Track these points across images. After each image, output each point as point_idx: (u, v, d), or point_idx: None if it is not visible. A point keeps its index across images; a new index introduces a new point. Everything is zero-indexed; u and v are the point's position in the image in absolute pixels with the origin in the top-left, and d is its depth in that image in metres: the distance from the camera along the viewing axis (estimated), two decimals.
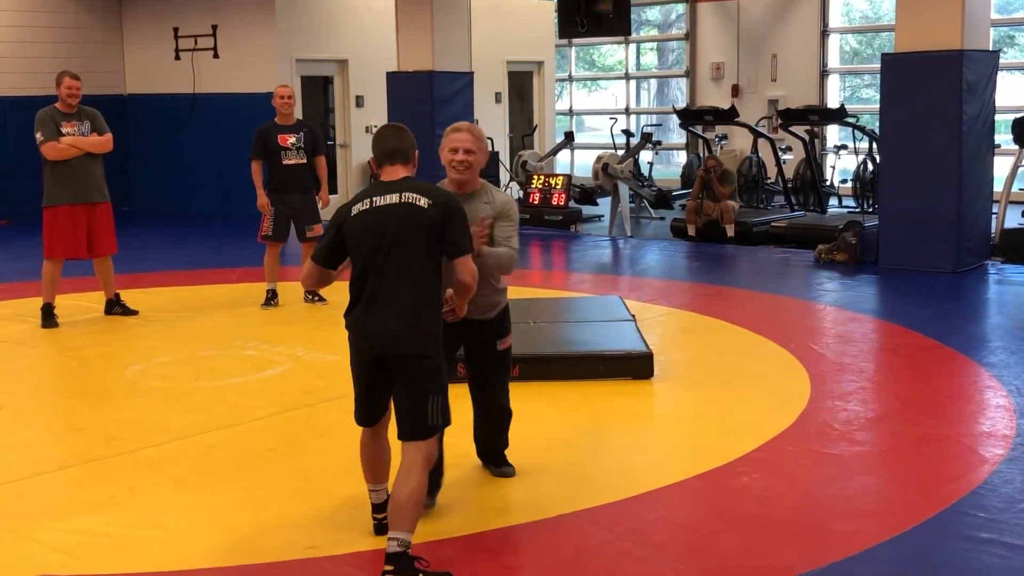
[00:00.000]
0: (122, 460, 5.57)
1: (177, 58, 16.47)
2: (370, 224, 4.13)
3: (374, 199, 4.17)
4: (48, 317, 8.62)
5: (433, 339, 4.17)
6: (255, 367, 7.40)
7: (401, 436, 4.17)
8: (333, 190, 14.91)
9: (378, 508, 4.46)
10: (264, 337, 8.21)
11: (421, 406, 4.12)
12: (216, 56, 16.08)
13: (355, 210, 4.19)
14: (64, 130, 8.50)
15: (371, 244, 4.12)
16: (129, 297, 9.17)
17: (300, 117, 10.53)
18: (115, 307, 9.01)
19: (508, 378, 5.14)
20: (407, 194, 4.14)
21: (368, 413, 4.36)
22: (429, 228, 4.11)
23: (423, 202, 4.12)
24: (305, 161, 9.19)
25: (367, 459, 4.46)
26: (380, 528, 4.42)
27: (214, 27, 16.02)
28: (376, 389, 4.27)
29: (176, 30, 16.42)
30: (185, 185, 16.58)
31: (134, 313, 8.99)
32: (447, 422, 4.24)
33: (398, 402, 4.18)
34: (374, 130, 16.72)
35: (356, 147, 16.26)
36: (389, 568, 3.96)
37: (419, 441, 4.13)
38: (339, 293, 9.46)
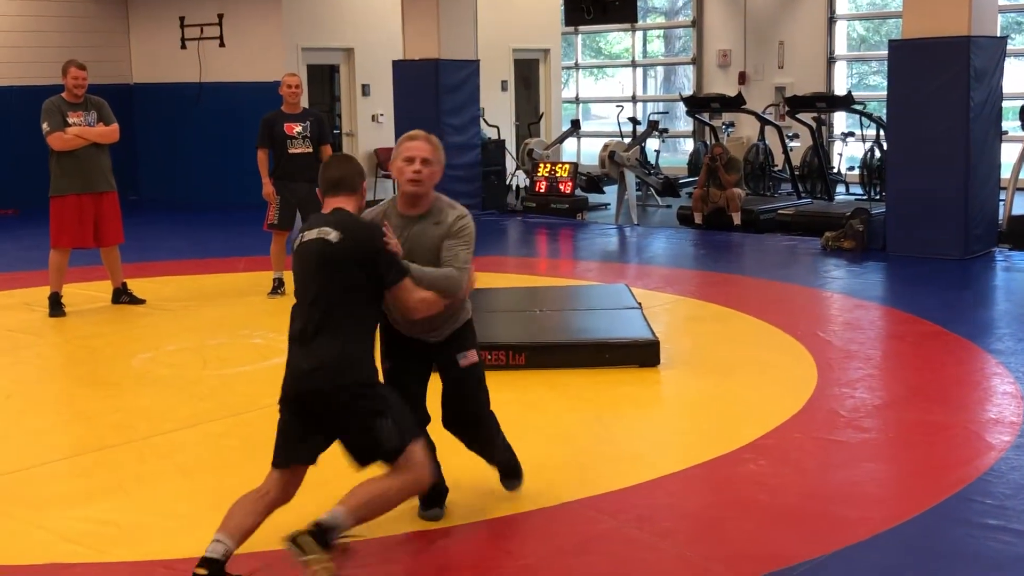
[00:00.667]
0: (130, 448, 5.58)
1: (183, 47, 16.47)
2: (296, 262, 4.07)
3: (304, 234, 4.06)
4: (56, 306, 8.64)
5: (358, 367, 3.95)
6: (262, 355, 7.42)
7: (363, 465, 4.04)
8: None
9: (204, 563, 3.81)
10: (271, 325, 8.21)
11: (369, 433, 3.93)
12: (222, 45, 16.08)
13: (295, 244, 4.11)
14: (70, 120, 8.51)
15: (297, 282, 4.07)
16: (136, 286, 9.19)
17: (306, 106, 10.53)
18: (122, 296, 9.03)
19: (485, 396, 4.57)
20: (323, 228, 3.97)
21: (280, 454, 4.04)
22: (339, 262, 3.94)
23: (333, 236, 3.95)
24: (311, 150, 9.18)
25: (241, 505, 3.99)
26: None
27: (220, 16, 16.02)
28: (305, 430, 4.01)
29: (182, 19, 16.41)
30: (191, 174, 16.60)
31: (141, 302, 9.01)
32: (408, 438, 3.97)
33: (348, 443, 4.00)
34: (381, 119, 16.82)
35: (362, 136, 16.26)
36: (303, 529, 3.75)
37: (391, 466, 3.95)
38: None
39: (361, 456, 4.00)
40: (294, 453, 4.03)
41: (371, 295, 4.02)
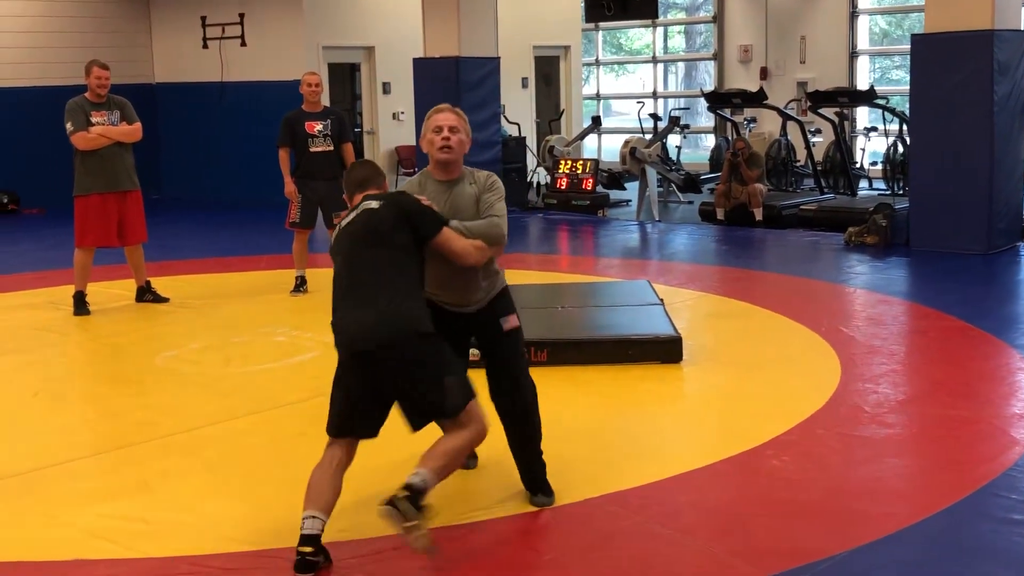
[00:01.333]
0: (155, 445, 5.62)
1: (205, 47, 16.55)
2: (344, 239, 4.29)
3: (341, 223, 4.37)
4: (80, 305, 8.70)
5: (423, 323, 4.13)
6: (285, 353, 7.45)
7: (424, 423, 4.20)
8: None
9: (306, 540, 4.00)
10: (294, 323, 8.25)
11: (437, 393, 4.09)
12: (244, 44, 16.15)
13: (332, 237, 4.43)
14: (94, 120, 8.56)
15: (345, 257, 4.25)
16: (160, 284, 9.24)
17: (327, 104, 10.55)
18: (146, 294, 9.08)
19: (525, 362, 4.73)
20: (362, 205, 4.31)
21: (345, 423, 4.18)
22: (386, 225, 4.20)
23: (375, 204, 4.27)
24: (332, 148, 9.21)
25: (318, 479, 4.12)
26: (302, 565, 3.98)
27: (241, 15, 16.08)
28: (365, 399, 4.15)
29: (204, 19, 16.49)
30: (214, 173, 16.68)
31: (165, 300, 9.06)
32: (468, 397, 4.14)
33: (411, 402, 4.15)
34: (401, 116, 16.84)
35: (383, 134, 16.29)
36: (400, 494, 3.89)
37: (451, 422, 4.12)
38: None
39: (422, 415, 4.15)
40: (360, 427, 4.19)
41: (418, 256, 4.26)
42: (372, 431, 4.20)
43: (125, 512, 4.74)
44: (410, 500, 3.87)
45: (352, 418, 4.18)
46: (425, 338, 4.11)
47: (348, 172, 4.59)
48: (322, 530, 4.03)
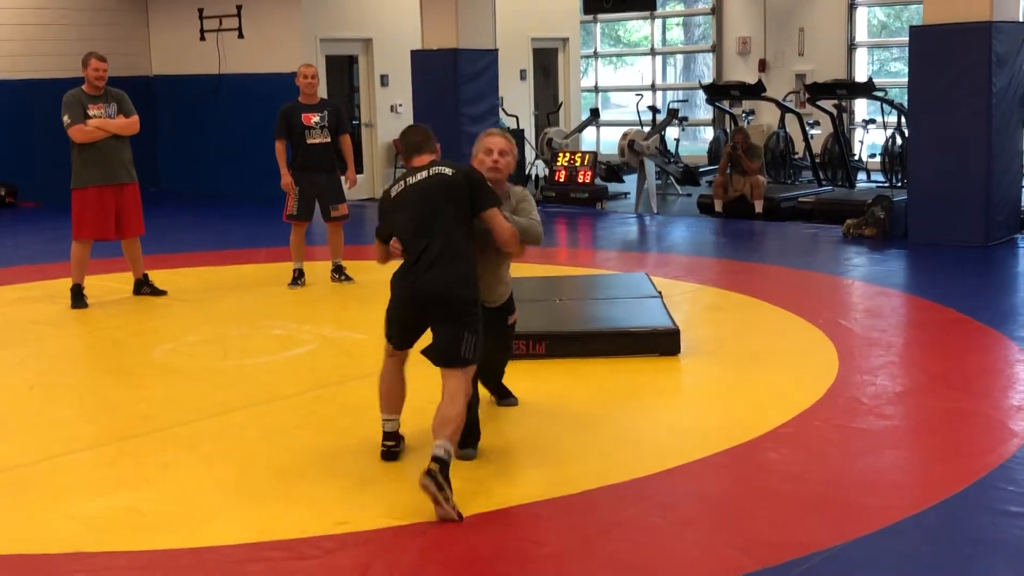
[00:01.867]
0: (153, 438, 5.62)
1: (202, 39, 16.53)
2: (408, 199, 4.86)
3: (408, 179, 4.91)
4: (78, 298, 8.69)
5: (474, 286, 4.83)
6: (283, 346, 7.44)
7: (440, 364, 4.77)
8: (359, 169, 14.94)
9: (389, 436, 5.07)
10: (291, 316, 8.25)
11: (458, 340, 4.74)
12: (241, 36, 16.12)
13: (394, 192, 4.94)
14: (91, 112, 8.54)
15: (414, 213, 4.83)
16: (157, 277, 9.24)
17: (324, 96, 10.53)
18: (143, 287, 9.07)
19: (511, 343, 5.79)
20: (434, 168, 4.87)
21: (403, 341, 5.00)
22: (458, 190, 4.81)
23: (448, 171, 4.85)
24: (329, 140, 9.20)
25: (386, 389, 5.06)
26: (388, 454, 5.05)
27: (239, 7, 16.06)
28: (414, 327, 4.93)
29: (201, 11, 16.46)
30: (211, 166, 16.66)
31: (163, 293, 9.05)
32: (477, 358, 4.81)
33: (439, 337, 4.80)
34: (399, 109, 16.84)
35: (381, 126, 16.27)
36: (433, 466, 4.38)
37: (456, 370, 4.73)
38: (365, 273, 9.54)
39: (442, 354, 4.78)
40: (407, 342, 5.02)
41: (470, 224, 4.88)
42: (411, 346, 5.04)
43: (123, 505, 4.74)
44: (441, 472, 4.39)
45: (403, 339, 5.00)
46: (467, 299, 4.79)
47: (403, 136, 5.09)
48: (398, 426, 5.08)
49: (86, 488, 4.98)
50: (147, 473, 5.13)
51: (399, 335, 5.00)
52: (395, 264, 5.04)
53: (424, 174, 4.86)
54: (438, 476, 4.37)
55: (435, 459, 4.43)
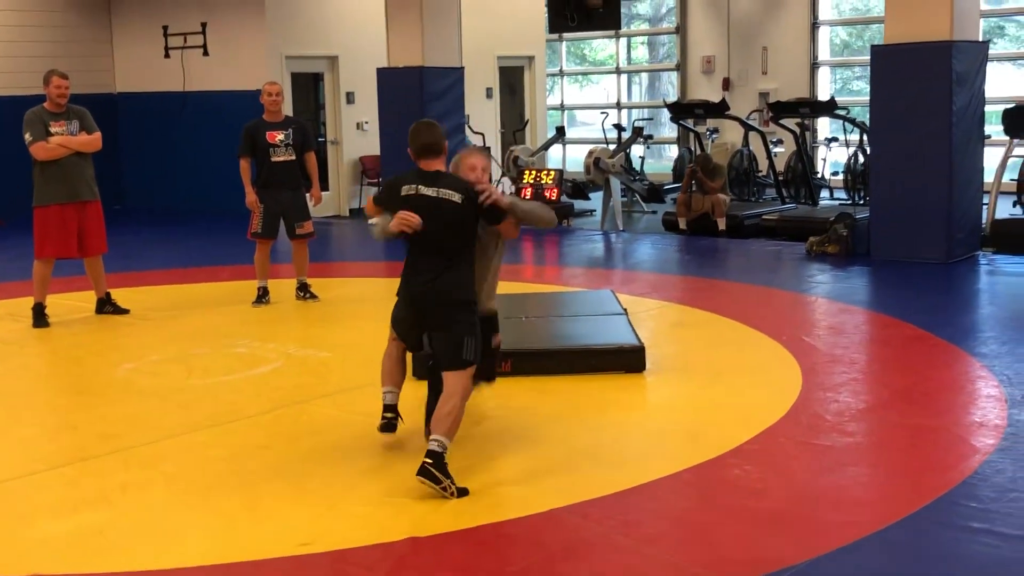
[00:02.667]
0: (115, 458, 5.56)
1: (167, 56, 16.45)
2: (417, 207, 5.08)
3: (419, 187, 5.15)
4: (39, 317, 8.61)
5: (469, 295, 5.15)
6: (247, 365, 7.40)
7: (443, 368, 5.09)
8: (324, 187, 14.91)
9: (389, 408, 5.35)
10: (255, 335, 8.20)
11: (459, 344, 5.04)
12: (206, 54, 16.06)
13: (403, 191, 5.18)
14: (53, 130, 8.48)
15: (422, 223, 5.07)
16: (120, 296, 9.16)
17: (289, 114, 10.51)
18: (106, 306, 9.00)
19: (493, 368, 5.83)
20: (443, 190, 5.11)
21: (410, 340, 5.41)
22: (464, 216, 5.09)
23: (457, 198, 5.09)
24: (294, 158, 9.17)
25: (388, 366, 5.40)
26: (386, 426, 5.33)
27: (203, 24, 16.01)
28: (419, 327, 5.31)
29: (165, 28, 16.40)
30: (176, 183, 16.57)
31: (125, 312, 8.98)
32: (477, 360, 5.12)
33: (439, 343, 5.15)
34: (365, 126, 16.79)
35: (347, 144, 16.25)
36: (428, 461, 4.76)
37: (458, 372, 5.03)
38: (330, 290, 9.51)
39: (445, 356, 5.12)
40: (410, 340, 5.40)
41: (471, 242, 5.21)
42: (417, 347, 5.48)
43: (84, 526, 4.68)
44: (436, 466, 4.75)
45: (407, 335, 5.38)
46: (465, 304, 5.13)
47: (414, 134, 5.28)
48: (397, 399, 5.37)
49: (46, 509, 4.92)
50: (109, 493, 5.08)
51: (406, 333, 5.36)
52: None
53: (433, 192, 5.11)
54: (432, 471, 4.74)
55: (430, 453, 4.79)
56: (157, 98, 16.57)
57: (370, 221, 5.52)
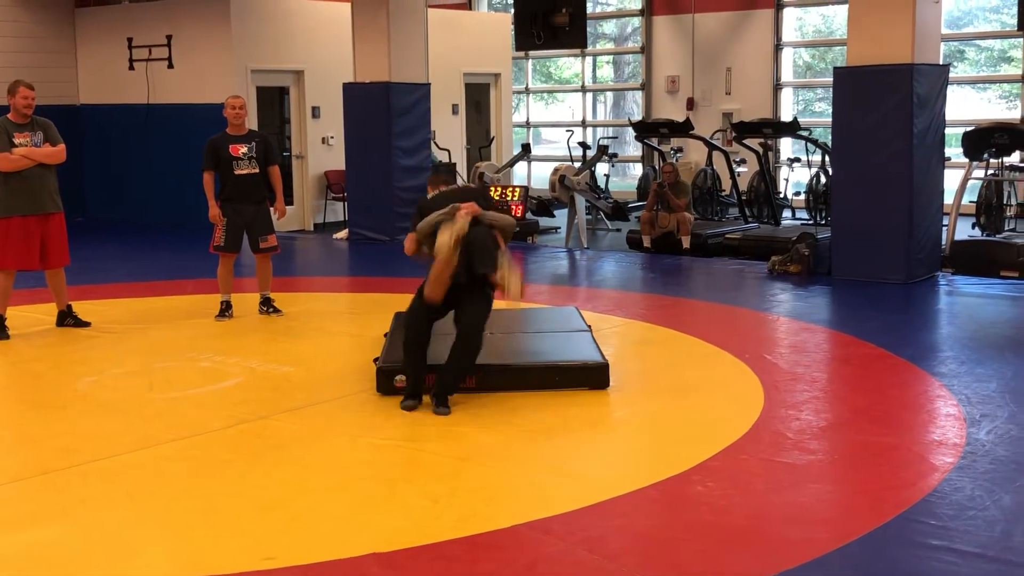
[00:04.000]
0: (75, 472, 5.51)
1: (131, 68, 16.36)
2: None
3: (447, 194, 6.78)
4: None
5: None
6: (209, 379, 7.36)
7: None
8: (289, 201, 14.86)
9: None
10: (218, 349, 8.16)
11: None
12: (171, 66, 15.99)
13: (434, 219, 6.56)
14: (16, 141, 8.41)
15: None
16: (82, 309, 9.09)
17: (253, 128, 10.48)
18: (67, 319, 8.92)
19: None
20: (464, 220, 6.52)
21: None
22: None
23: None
24: (258, 171, 9.13)
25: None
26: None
27: (168, 37, 15.93)
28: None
29: (130, 40, 16.30)
30: (139, 196, 16.47)
31: (86, 325, 8.91)
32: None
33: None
34: (331, 141, 16.76)
35: (312, 158, 16.20)
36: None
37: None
38: (294, 305, 9.48)
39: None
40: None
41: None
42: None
43: (43, 540, 4.64)
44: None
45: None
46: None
47: (434, 173, 7.28)
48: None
49: (5, 523, 4.87)
50: (69, 508, 5.03)
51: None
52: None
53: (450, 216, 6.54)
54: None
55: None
56: (121, 110, 16.47)
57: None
